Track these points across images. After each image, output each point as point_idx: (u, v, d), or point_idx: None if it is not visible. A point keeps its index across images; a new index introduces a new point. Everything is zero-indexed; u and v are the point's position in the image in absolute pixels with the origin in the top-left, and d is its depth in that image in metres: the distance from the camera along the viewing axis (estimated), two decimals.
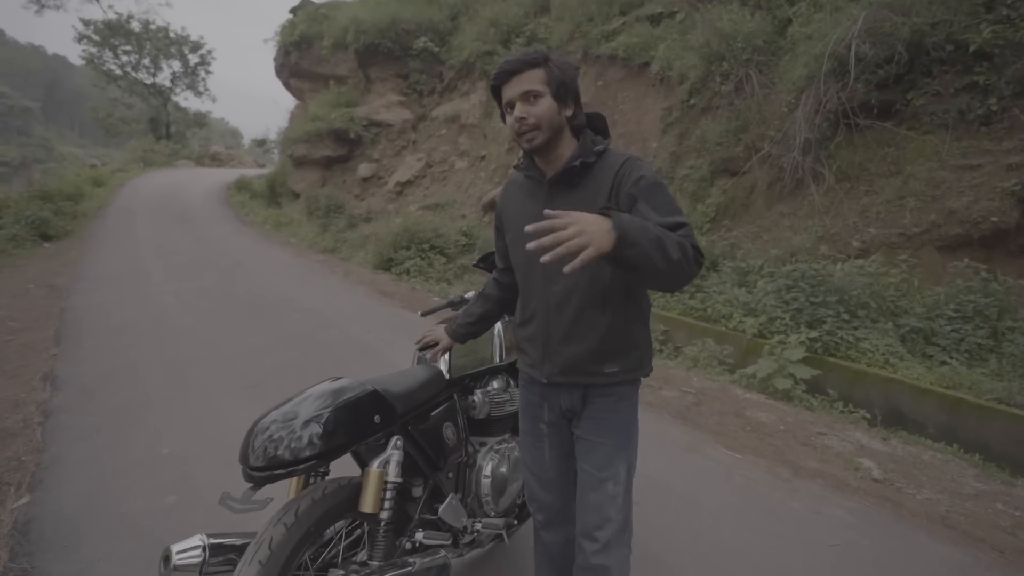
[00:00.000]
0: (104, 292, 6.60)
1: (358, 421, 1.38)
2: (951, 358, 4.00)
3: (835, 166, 5.28)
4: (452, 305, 2.13)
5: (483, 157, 10.77)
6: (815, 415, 3.62)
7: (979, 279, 4.19)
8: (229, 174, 23.17)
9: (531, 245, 1.04)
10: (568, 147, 1.35)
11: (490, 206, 9.56)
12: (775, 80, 5.96)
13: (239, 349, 4.58)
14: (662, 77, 7.73)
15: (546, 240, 1.02)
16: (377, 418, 1.42)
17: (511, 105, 1.32)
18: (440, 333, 1.78)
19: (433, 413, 1.69)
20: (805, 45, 5.44)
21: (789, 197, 5.68)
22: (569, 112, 1.33)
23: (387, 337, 4.98)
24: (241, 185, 18.80)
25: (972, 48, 4.73)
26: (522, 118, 1.29)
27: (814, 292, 4.47)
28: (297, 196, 14.96)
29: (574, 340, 1.36)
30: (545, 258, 1.10)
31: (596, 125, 1.40)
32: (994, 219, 4.42)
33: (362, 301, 6.47)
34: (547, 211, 1.15)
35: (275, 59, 17.79)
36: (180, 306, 5.98)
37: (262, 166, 29.84)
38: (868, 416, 3.71)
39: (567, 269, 1.12)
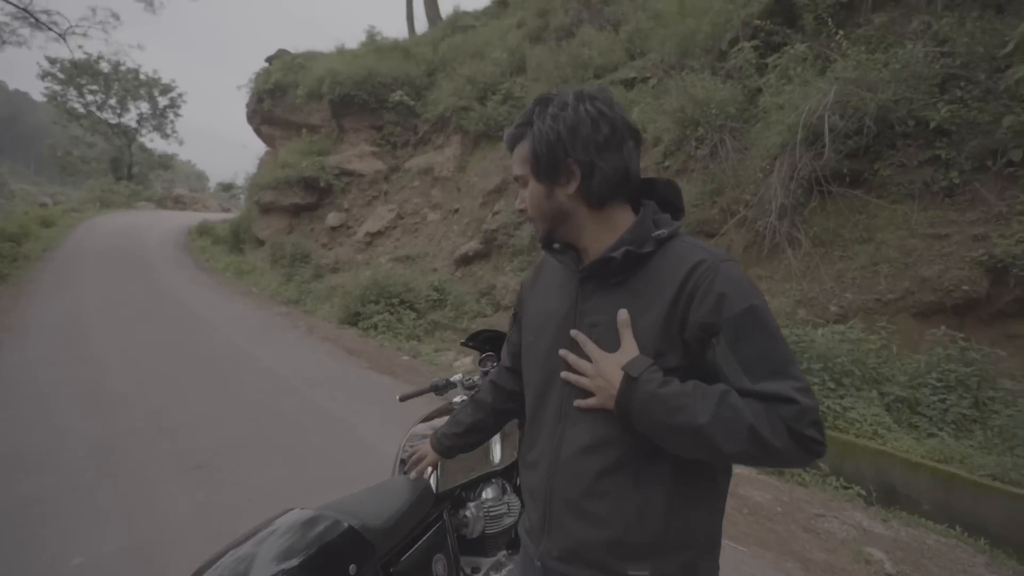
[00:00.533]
0: (34, 348, 6.02)
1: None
2: (939, 429, 3.92)
3: (811, 231, 5.34)
4: (436, 389, 1.88)
5: (456, 210, 10.70)
6: (809, 492, 3.43)
7: (956, 347, 4.18)
8: (192, 218, 22.53)
9: (565, 376, 0.93)
10: (600, 230, 0.98)
11: (463, 260, 9.41)
12: (748, 146, 6.10)
13: (184, 419, 4.14)
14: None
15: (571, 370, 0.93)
16: (353, 568, 1.12)
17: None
18: (425, 448, 1.44)
19: (419, 543, 1.40)
20: (777, 114, 5.60)
21: (766, 260, 5.70)
22: (570, 187, 0.96)
23: (353, 404, 4.62)
24: (203, 230, 18.23)
25: (932, 125, 4.93)
26: (521, 209, 1.03)
27: (799, 358, 4.38)
28: (262, 243, 14.53)
29: (586, 517, 0.94)
30: (564, 375, 0.97)
31: (665, 196, 1.01)
32: (965, 288, 4.47)
33: (326, 361, 6.09)
34: (574, 333, 0.97)
35: (248, 105, 17.69)
36: (122, 365, 5.48)
37: (227, 211, 29.23)
38: (863, 493, 3.54)
39: (576, 404, 0.97)
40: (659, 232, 0.93)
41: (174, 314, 8.10)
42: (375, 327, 7.82)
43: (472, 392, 1.87)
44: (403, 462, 1.53)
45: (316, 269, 11.31)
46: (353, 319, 8.18)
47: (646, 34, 8.97)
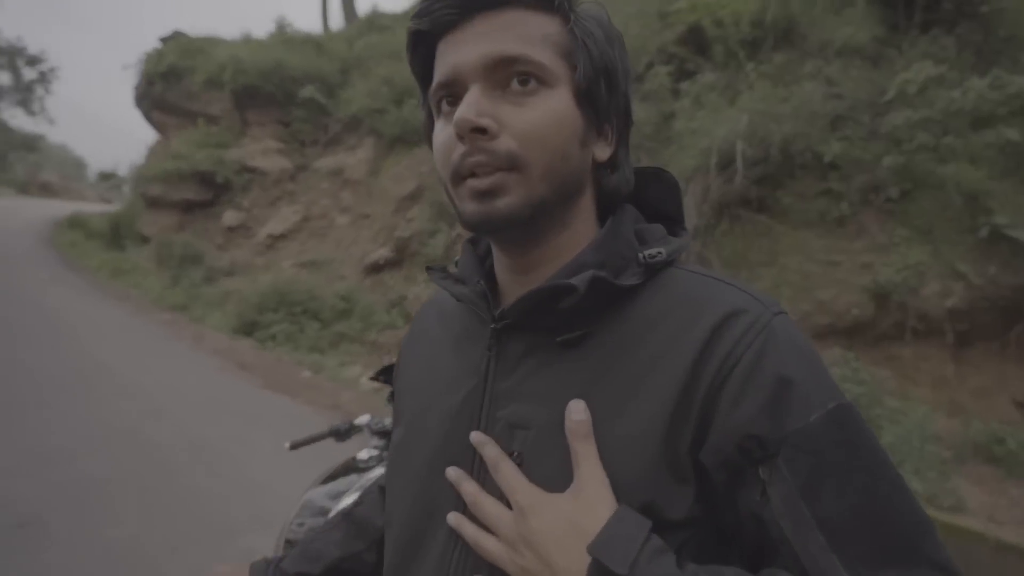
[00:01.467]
0: None
1: None
2: None
3: (723, 253, 5.54)
4: (336, 435, 1.56)
5: (367, 215, 10.19)
6: None
7: (850, 368, 4.47)
8: (62, 208, 19.86)
9: (457, 524, 0.49)
10: (576, 238, 0.55)
11: (373, 268, 8.93)
12: (663, 166, 6.27)
13: (16, 457, 3.42)
14: None
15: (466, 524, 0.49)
16: None
17: (452, 89, 0.50)
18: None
19: None
20: (691, 139, 5.78)
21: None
22: (605, 152, 0.54)
23: (242, 431, 4.06)
24: (75, 222, 16.11)
25: (826, 159, 5.30)
26: (477, 129, 0.48)
27: None
28: (147, 240, 13.06)
29: None
30: (452, 520, 0.51)
31: (653, 197, 0.59)
32: (855, 311, 4.81)
33: (213, 377, 5.42)
34: (476, 437, 0.51)
35: (136, 88, 15.94)
36: None
37: (108, 202, 26.18)
38: None
39: None
40: (652, 252, 0.51)
41: (23, 320, 6.92)
42: (273, 338, 7.16)
43: (385, 438, 1.57)
44: (288, 543, 1.21)
45: (209, 272, 10.28)
46: (249, 328, 7.44)
47: None
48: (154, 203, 12.90)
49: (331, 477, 1.36)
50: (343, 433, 1.58)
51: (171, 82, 14.54)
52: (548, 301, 0.49)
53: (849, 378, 4.37)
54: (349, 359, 6.74)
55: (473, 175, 0.48)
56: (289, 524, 1.22)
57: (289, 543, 1.20)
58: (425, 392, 0.60)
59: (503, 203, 0.48)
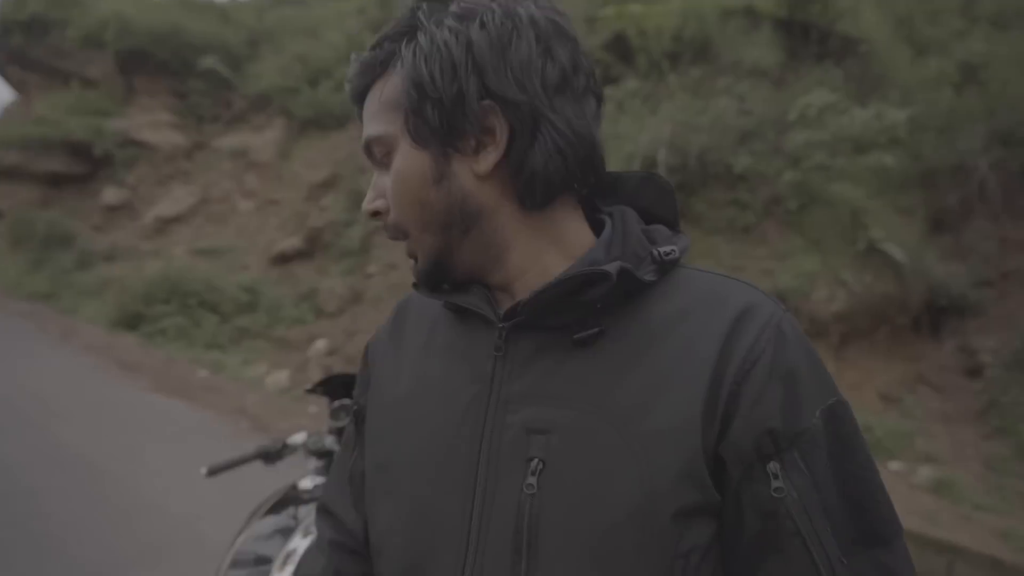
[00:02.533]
0: None
1: None
2: None
3: None
4: (265, 457, 1.37)
5: (275, 202, 9.51)
6: None
7: None
8: None
9: None
10: (545, 247, 0.52)
11: (281, 259, 8.35)
12: None
13: None
14: None
15: None
16: None
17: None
18: None
19: None
20: (615, 143, 5.95)
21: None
22: (484, 161, 0.49)
23: (125, 445, 3.56)
24: None
25: (736, 171, 5.68)
26: (372, 211, 0.54)
27: None
28: None
29: None
30: None
31: (648, 201, 0.56)
32: None
33: (89, 380, 4.76)
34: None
35: None
36: None
37: None
38: None
39: None
40: (667, 250, 0.50)
41: None
42: (163, 333, 6.46)
43: (324, 459, 1.40)
44: None
45: (82, 256, 9.09)
46: (133, 322, 6.67)
47: None
48: (9, 173, 11.19)
49: (270, 511, 1.18)
50: (273, 455, 1.39)
51: (35, 34, 12.63)
52: (572, 292, 0.47)
53: None
54: (254, 357, 6.25)
55: (401, 242, 0.54)
56: (223, 572, 1.04)
57: None
58: (411, 404, 0.55)
59: (419, 267, 0.53)
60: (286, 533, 1.10)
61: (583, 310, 0.48)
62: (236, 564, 1.06)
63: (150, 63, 11.01)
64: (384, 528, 0.55)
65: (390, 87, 0.50)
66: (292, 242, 8.33)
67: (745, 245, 5.58)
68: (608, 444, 0.46)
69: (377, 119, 0.51)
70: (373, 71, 0.52)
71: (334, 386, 1.56)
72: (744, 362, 0.45)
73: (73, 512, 2.77)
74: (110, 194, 10.53)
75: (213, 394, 4.72)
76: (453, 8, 0.48)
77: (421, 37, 0.48)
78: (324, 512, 0.64)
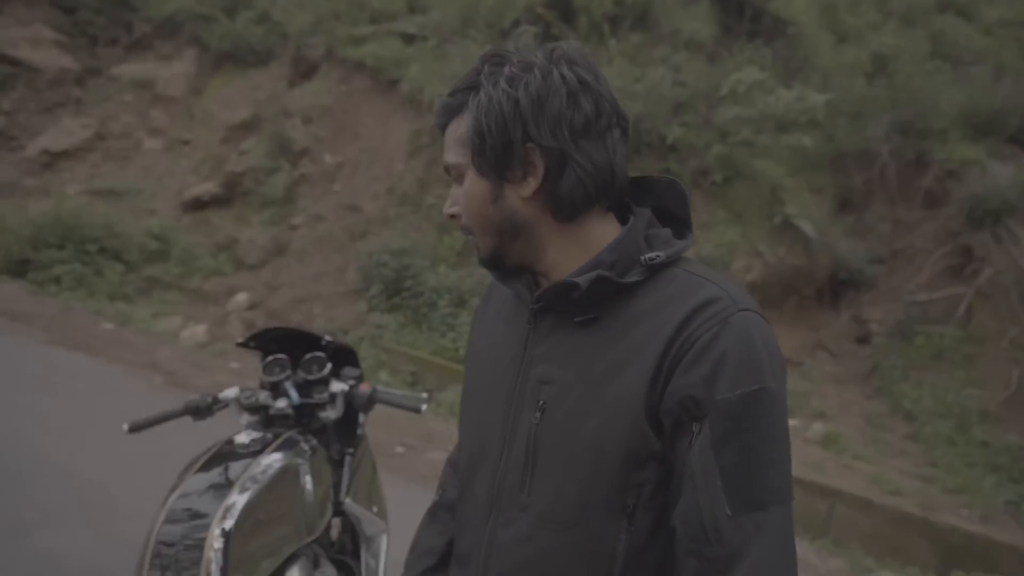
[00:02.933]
0: None
1: None
2: None
3: None
4: (195, 412, 1.31)
5: (187, 142, 8.70)
6: None
7: None
8: None
9: None
10: (569, 248, 0.69)
11: (194, 205, 7.72)
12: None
13: None
14: (411, 99, 7.50)
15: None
16: None
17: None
18: None
19: None
20: None
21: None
22: (527, 188, 0.66)
23: (20, 401, 3.22)
24: None
25: (668, 141, 5.85)
26: (451, 215, 0.74)
27: None
28: None
29: None
30: None
31: (665, 203, 0.72)
32: None
33: None
34: None
35: None
36: None
37: None
38: None
39: None
40: (652, 255, 0.64)
41: None
42: (57, 281, 5.83)
43: (258, 415, 1.35)
44: (159, 555, 0.97)
45: None
46: (19, 268, 5.96)
47: None
48: None
49: (203, 467, 1.12)
50: (203, 409, 1.34)
51: None
52: (562, 291, 0.66)
53: None
54: (165, 309, 5.82)
55: (468, 238, 0.74)
56: (155, 530, 0.98)
57: (159, 555, 0.96)
58: (484, 353, 0.80)
59: (480, 255, 0.73)
60: (222, 488, 1.06)
61: (580, 302, 0.66)
62: (170, 520, 1.01)
63: None
64: (463, 432, 0.81)
65: (462, 127, 0.68)
66: (207, 187, 7.71)
67: None
68: (583, 398, 0.64)
69: (453, 151, 0.70)
70: (451, 113, 0.70)
71: (266, 340, 1.51)
72: (684, 343, 0.59)
73: None
74: None
75: (121, 348, 4.36)
76: (506, 72, 0.65)
77: (482, 94, 0.65)
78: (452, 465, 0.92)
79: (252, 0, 9.02)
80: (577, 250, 0.69)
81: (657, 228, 0.69)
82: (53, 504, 2.38)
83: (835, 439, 4.21)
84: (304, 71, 8.62)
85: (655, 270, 0.65)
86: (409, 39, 8.28)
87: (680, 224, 0.70)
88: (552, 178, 0.65)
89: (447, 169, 0.73)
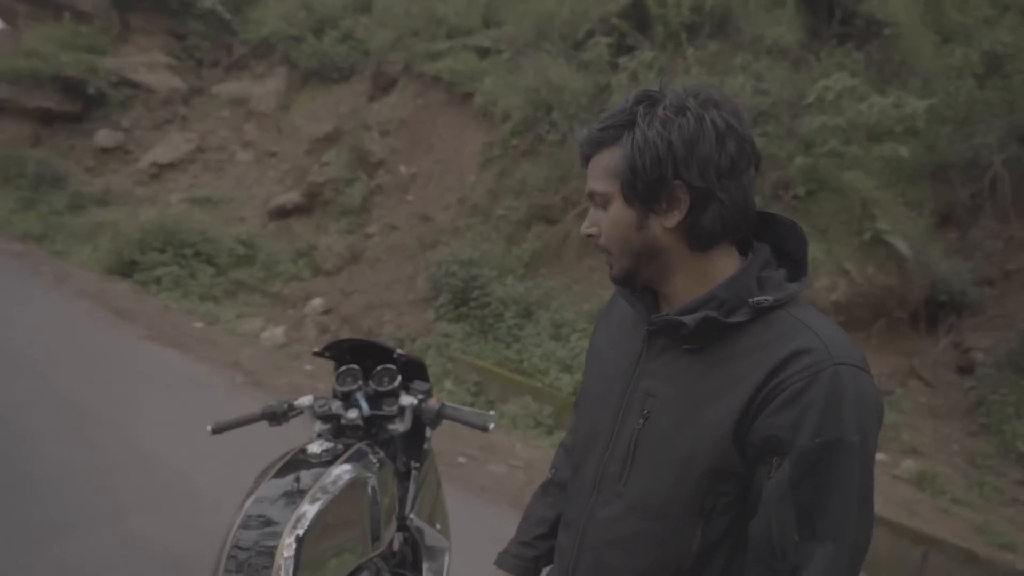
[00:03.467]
0: None
1: None
2: None
3: None
4: (271, 418, 1.37)
5: (275, 154, 9.30)
6: None
7: None
8: None
9: None
10: (696, 276, 0.76)
11: (279, 213, 8.22)
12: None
13: None
14: (485, 111, 7.63)
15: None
16: None
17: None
18: None
19: None
20: None
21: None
22: (671, 219, 0.73)
23: (121, 393, 3.56)
24: None
25: None
26: (589, 234, 0.81)
27: None
28: None
29: None
30: None
31: (785, 243, 0.78)
32: None
33: (83, 326, 4.72)
34: None
35: None
36: None
37: None
38: None
39: None
40: (760, 299, 0.71)
41: None
42: (158, 282, 6.38)
43: (330, 424, 1.40)
44: (233, 557, 1.01)
45: (75, 198, 8.89)
46: (127, 269, 6.57)
47: (505, 4, 8.70)
48: None
49: (277, 474, 1.16)
50: (280, 415, 1.40)
51: None
52: (673, 326, 0.75)
53: None
54: (249, 311, 6.21)
55: (604, 257, 0.82)
56: (232, 534, 1.03)
57: (234, 557, 1.00)
58: (604, 355, 0.90)
59: (612, 272, 0.82)
60: (293, 497, 1.09)
61: (690, 332, 0.74)
62: (246, 526, 1.05)
63: (146, 0, 10.57)
64: (579, 419, 0.92)
65: (613, 159, 0.75)
66: (291, 196, 8.19)
67: None
68: (682, 415, 0.74)
69: (600, 179, 0.77)
70: (599, 145, 0.77)
71: (340, 350, 1.55)
72: (775, 388, 0.67)
73: (68, 457, 2.78)
74: (104, 136, 10.24)
75: (208, 346, 4.70)
76: (659, 113, 0.71)
77: (638, 132, 0.72)
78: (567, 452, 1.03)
79: (337, 20, 9.53)
80: (699, 279, 0.76)
81: (772, 269, 0.76)
82: (145, 491, 2.57)
83: (930, 479, 3.81)
84: (383, 86, 9.00)
85: (763, 312, 0.71)
86: (484, 53, 8.46)
87: (796, 266, 0.76)
88: (695, 213, 0.72)
89: (591, 195, 0.79)
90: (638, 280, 0.80)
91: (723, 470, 0.71)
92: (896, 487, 3.94)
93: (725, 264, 0.76)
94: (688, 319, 0.72)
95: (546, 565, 0.99)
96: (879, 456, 4.29)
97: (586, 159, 0.79)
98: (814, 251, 5.26)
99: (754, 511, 0.70)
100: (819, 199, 5.43)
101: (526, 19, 8.01)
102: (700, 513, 0.72)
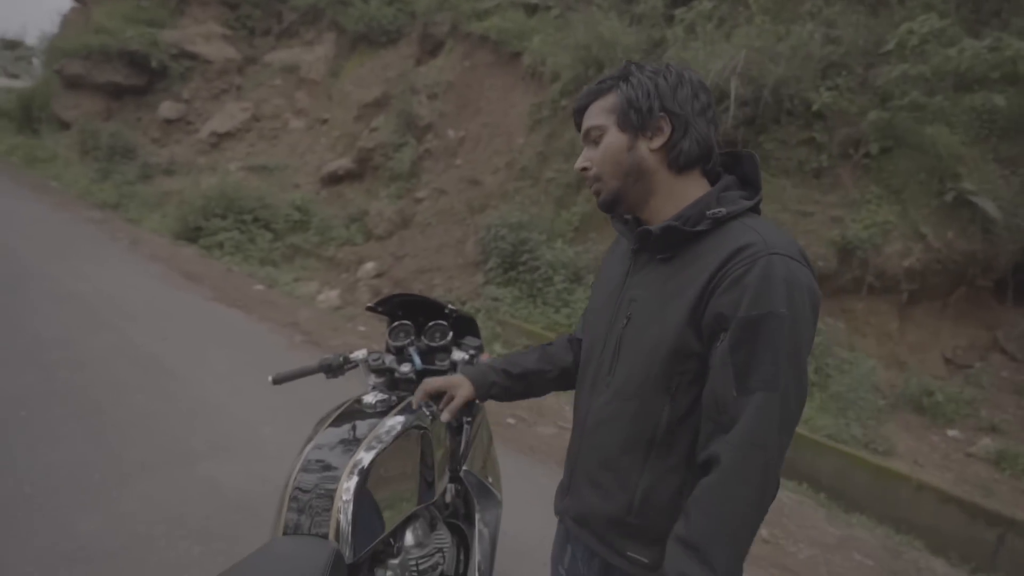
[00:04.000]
0: None
1: None
2: None
3: None
4: (328, 370, 1.40)
5: (326, 121, 9.43)
6: None
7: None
8: None
9: None
10: (672, 196, 0.93)
11: (331, 179, 8.38)
12: None
13: None
14: (533, 71, 7.42)
15: None
16: None
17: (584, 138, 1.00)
18: (458, 380, 1.18)
19: None
20: None
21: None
22: (656, 141, 0.91)
23: (193, 348, 3.79)
24: None
25: (814, 107, 5.19)
26: (583, 168, 0.97)
27: None
28: (67, 126, 11.68)
29: (596, 488, 0.97)
30: None
31: (743, 170, 0.95)
32: (820, 263, 4.91)
33: (156, 287, 5.01)
34: None
35: None
36: None
37: (14, 77, 23.04)
38: None
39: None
40: (715, 211, 0.88)
41: None
42: (221, 246, 6.68)
43: (384, 377, 1.42)
44: (294, 500, 1.04)
45: (144, 168, 9.36)
46: (193, 235, 6.91)
47: None
48: (74, 83, 11.41)
49: (334, 422, 1.20)
50: (336, 368, 1.42)
51: None
52: (644, 236, 0.93)
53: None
54: (305, 274, 6.42)
55: (593, 189, 0.98)
56: (293, 477, 1.07)
57: (295, 499, 1.04)
58: (604, 278, 1.08)
59: (601, 198, 0.97)
60: (350, 445, 1.12)
61: (661, 244, 0.91)
62: (306, 470, 1.09)
63: None
64: (585, 333, 1.09)
65: (608, 101, 0.94)
66: (342, 163, 8.32)
67: (813, 190, 5.19)
68: (653, 310, 0.91)
69: (598, 117, 0.94)
70: (595, 95, 0.96)
71: (392, 306, 1.56)
72: (722, 276, 0.82)
73: (147, 405, 2.99)
74: (167, 108, 10.66)
75: (268, 307, 4.90)
76: (649, 68, 0.92)
77: (632, 78, 0.92)
78: (569, 341, 1.22)
79: None
80: (674, 201, 0.93)
81: (733, 191, 0.92)
82: (215, 439, 2.74)
83: (1011, 459, 3.57)
84: (430, 48, 8.90)
85: (720, 222, 0.87)
86: (532, 10, 8.18)
87: (752, 185, 0.93)
88: (675, 138, 0.91)
89: (587, 133, 0.95)
90: (623, 203, 0.95)
91: (682, 350, 0.85)
92: (970, 465, 3.72)
93: (695, 190, 0.93)
94: (654, 228, 0.90)
95: (494, 395, 1.19)
96: (950, 432, 4.04)
97: (581, 110, 0.97)
98: (885, 214, 4.90)
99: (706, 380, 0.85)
100: (895, 157, 5.02)
101: None
102: (667, 391, 0.87)
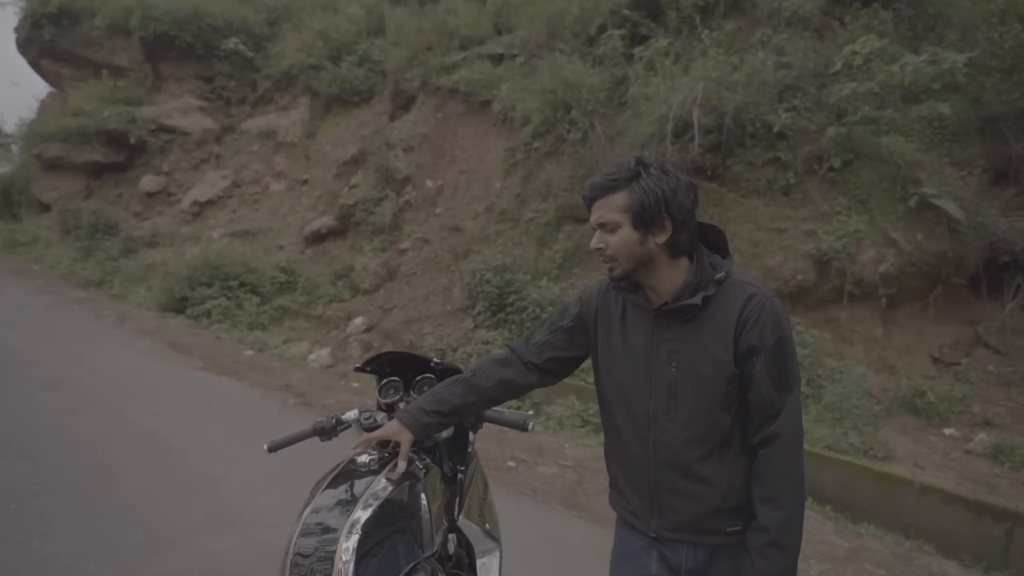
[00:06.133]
0: None
1: None
2: None
3: None
4: (322, 433, 1.42)
5: (305, 181, 9.60)
6: None
7: (795, 332, 4.69)
8: None
9: None
10: (670, 273, 1.21)
11: (314, 238, 8.47)
12: (617, 133, 6.21)
13: None
14: (504, 117, 7.67)
15: None
16: None
17: (596, 227, 1.22)
18: (395, 428, 1.31)
19: None
20: (646, 105, 5.73)
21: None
22: (661, 238, 1.16)
23: (185, 421, 3.75)
24: None
25: (775, 128, 5.41)
26: (598, 248, 1.20)
27: None
28: (47, 208, 11.77)
29: (689, 497, 1.22)
30: None
31: (711, 240, 1.24)
32: (799, 277, 5.03)
33: (145, 362, 4.98)
34: None
35: (18, 31, 14.01)
36: None
37: None
38: None
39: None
40: (719, 276, 1.18)
41: None
42: (208, 315, 6.67)
43: (374, 458, 1.44)
44: (296, 565, 1.05)
45: (127, 243, 9.40)
46: (179, 305, 6.90)
47: (514, 9, 8.74)
48: (53, 165, 11.57)
49: (330, 484, 1.21)
50: (329, 431, 1.45)
51: (63, 26, 12.88)
52: (685, 309, 1.17)
53: (796, 341, 4.59)
54: (294, 335, 6.41)
55: (607, 264, 1.21)
56: (293, 542, 1.07)
57: (297, 565, 1.04)
58: (623, 344, 1.27)
59: (615, 273, 1.21)
60: (347, 504, 1.13)
61: (687, 308, 1.17)
62: (305, 533, 1.10)
63: (175, 48, 11.10)
64: (607, 391, 1.30)
65: (621, 199, 1.15)
66: (324, 221, 8.43)
67: (785, 207, 5.35)
68: (700, 356, 1.17)
69: (612, 212, 1.16)
70: (607, 190, 1.16)
71: (380, 364, 1.59)
72: (745, 319, 1.13)
73: (147, 485, 2.94)
74: (148, 181, 10.81)
75: (260, 372, 4.88)
76: (653, 171, 1.15)
77: (644, 183, 1.14)
78: (494, 364, 1.38)
79: (353, 45, 9.79)
80: (672, 276, 1.21)
81: (713, 257, 1.22)
82: (214, 512, 2.70)
83: (1008, 451, 3.59)
84: (403, 104, 9.18)
85: (719, 283, 1.17)
86: (498, 60, 8.51)
87: (722, 251, 1.24)
88: (676, 234, 1.17)
89: (603, 224, 1.17)
90: (632, 279, 1.21)
91: (731, 376, 1.15)
92: (970, 462, 3.74)
93: (684, 265, 1.21)
94: (697, 299, 1.16)
95: (430, 432, 1.35)
96: (947, 430, 4.08)
97: (592, 200, 1.19)
98: (856, 223, 5.06)
99: (748, 390, 1.15)
100: (856, 169, 5.22)
101: (536, 21, 8.02)
102: (726, 406, 1.16)
